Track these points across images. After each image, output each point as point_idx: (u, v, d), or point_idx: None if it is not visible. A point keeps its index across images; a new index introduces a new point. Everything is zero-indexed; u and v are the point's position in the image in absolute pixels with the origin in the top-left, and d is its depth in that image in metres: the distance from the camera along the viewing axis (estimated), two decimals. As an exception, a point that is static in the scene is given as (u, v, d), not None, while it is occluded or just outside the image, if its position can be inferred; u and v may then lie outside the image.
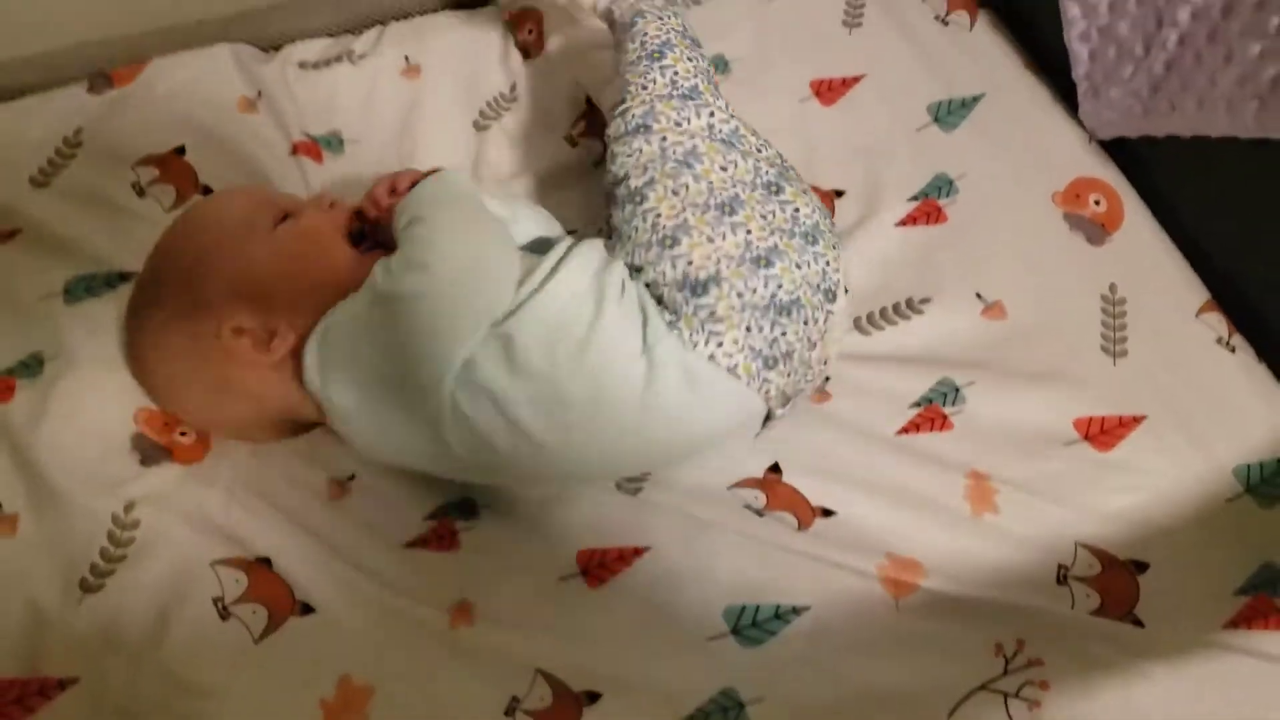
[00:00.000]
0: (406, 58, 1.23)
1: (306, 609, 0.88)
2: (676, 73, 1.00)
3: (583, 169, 1.16)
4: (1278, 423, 0.99)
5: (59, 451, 0.91)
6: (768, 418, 0.93)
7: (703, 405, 0.88)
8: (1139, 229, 1.11)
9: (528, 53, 1.25)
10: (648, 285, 0.90)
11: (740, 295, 0.88)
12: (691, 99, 0.98)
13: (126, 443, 0.93)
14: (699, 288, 0.88)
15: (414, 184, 0.93)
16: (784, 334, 0.89)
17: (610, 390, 0.85)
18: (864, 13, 1.29)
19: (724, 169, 0.94)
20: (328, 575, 0.90)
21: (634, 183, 0.93)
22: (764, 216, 0.93)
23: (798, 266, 0.91)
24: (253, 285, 0.88)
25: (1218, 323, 1.04)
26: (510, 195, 1.12)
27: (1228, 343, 1.03)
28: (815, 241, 0.94)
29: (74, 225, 1.04)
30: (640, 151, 0.94)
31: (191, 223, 0.94)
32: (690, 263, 0.89)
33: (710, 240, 0.90)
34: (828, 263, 0.94)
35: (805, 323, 0.91)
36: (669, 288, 0.89)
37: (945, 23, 1.28)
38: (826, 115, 1.21)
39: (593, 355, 0.85)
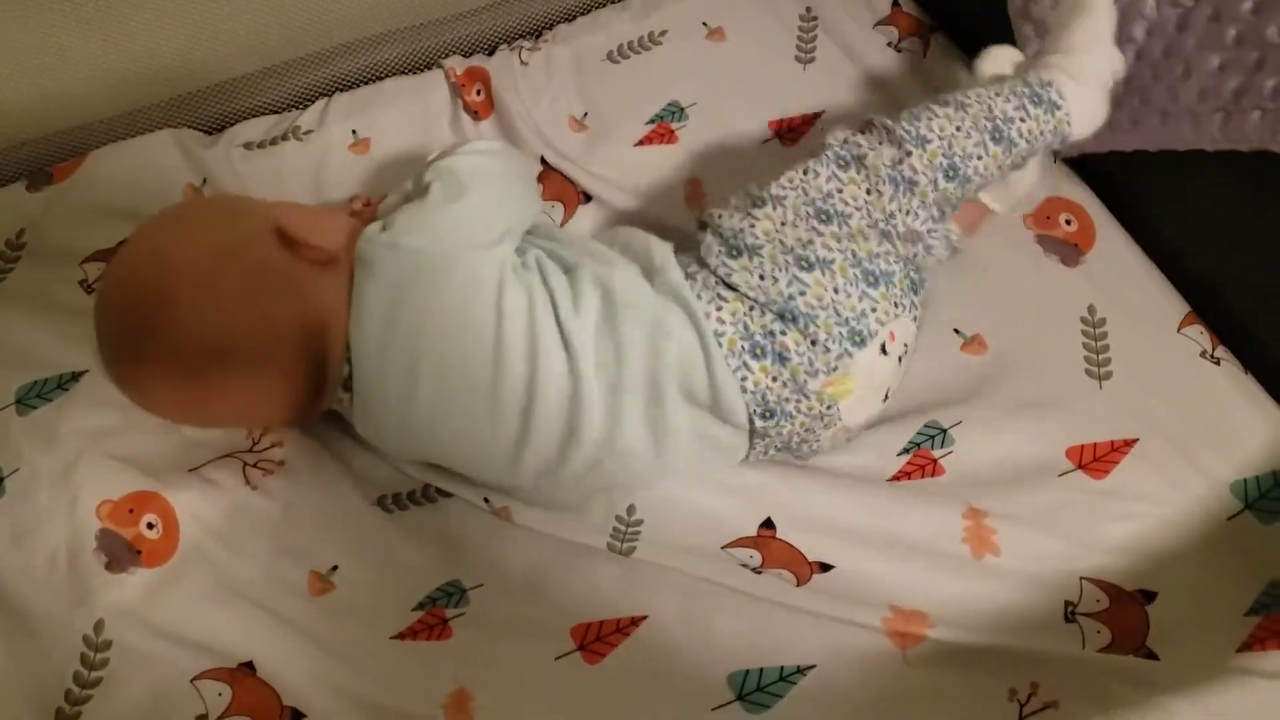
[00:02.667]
0: (354, 131, 1.21)
1: (297, 715, 0.85)
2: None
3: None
4: (1270, 434, 0.98)
5: (26, 574, 0.88)
6: (753, 436, 0.91)
7: None
8: (1113, 246, 1.10)
9: (478, 114, 1.22)
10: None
11: (763, 279, 0.90)
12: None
13: (91, 542, 0.89)
14: (739, 251, 0.92)
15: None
16: (783, 334, 0.89)
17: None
18: (816, 47, 1.28)
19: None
20: (315, 677, 0.87)
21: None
22: (848, 239, 0.93)
23: (835, 290, 0.90)
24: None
25: (1200, 335, 1.03)
26: None
27: (1212, 355, 1.02)
28: (875, 284, 0.92)
29: (23, 331, 1.01)
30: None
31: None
32: (745, 228, 0.93)
33: (780, 224, 0.93)
34: (873, 308, 0.92)
35: (813, 343, 0.89)
36: (717, 238, 0.94)
37: (899, 50, 1.27)
38: (790, 156, 1.19)
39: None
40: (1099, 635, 0.88)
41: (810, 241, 0.91)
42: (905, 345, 0.95)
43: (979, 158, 0.97)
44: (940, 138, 0.97)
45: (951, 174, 0.96)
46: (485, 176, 0.94)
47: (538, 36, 1.31)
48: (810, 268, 0.90)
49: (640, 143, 1.21)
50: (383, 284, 0.88)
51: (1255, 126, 0.90)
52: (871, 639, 0.88)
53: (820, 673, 0.86)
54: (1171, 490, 0.96)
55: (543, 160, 1.17)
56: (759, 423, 0.91)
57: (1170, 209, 1.08)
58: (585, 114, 1.24)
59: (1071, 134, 1.01)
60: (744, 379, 0.89)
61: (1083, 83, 1.00)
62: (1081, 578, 0.91)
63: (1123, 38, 1.01)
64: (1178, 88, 0.97)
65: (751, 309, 0.90)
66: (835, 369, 0.90)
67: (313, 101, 1.25)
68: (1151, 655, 0.87)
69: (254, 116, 1.23)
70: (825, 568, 0.92)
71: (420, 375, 0.88)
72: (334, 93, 1.26)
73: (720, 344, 0.89)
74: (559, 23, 1.33)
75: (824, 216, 0.93)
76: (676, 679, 0.87)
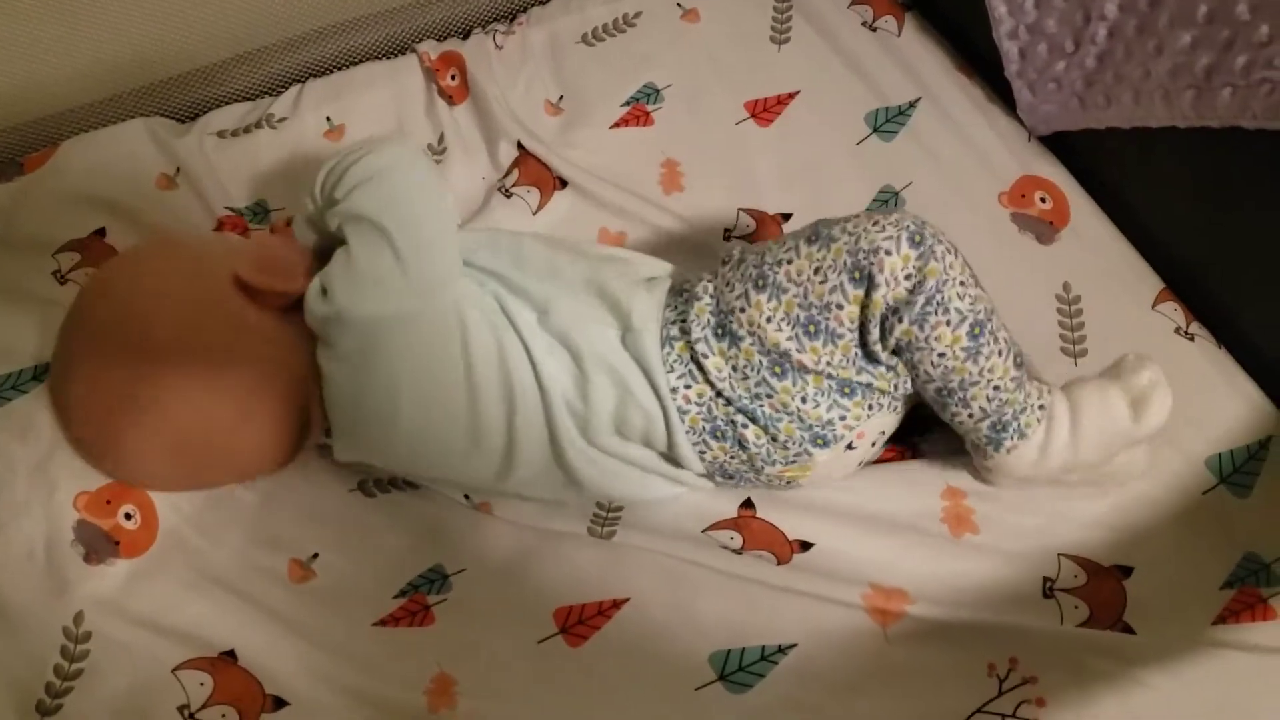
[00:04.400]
0: (328, 118, 1.20)
1: (279, 703, 0.86)
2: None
3: (519, 222, 1.13)
4: (1243, 409, 0.98)
5: (3, 566, 0.87)
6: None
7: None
8: (1087, 223, 1.10)
9: (452, 99, 1.22)
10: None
11: (734, 371, 0.86)
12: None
13: (69, 534, 0.89)
14: (723, 331, 0.87)
15: None
16: (744, 427, 0.87)
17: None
18: (791, 27, 1.27)
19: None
20: (298, 664, 0.87)
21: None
22: (829, 355, 0.85)
23: (803, 400, 0.86)
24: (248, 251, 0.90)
25: (1174, 312, 1.04)
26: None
27: (1186, 331, 1.02)
28: (850, 395, 0.87)
29: (-4, 323, 1.01)
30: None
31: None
32: (738, 310, 0.86)
33: (768, 319, 0.85)
34: (843, 416, 0.87)
35: (773, 439, 0.87)
36: (713, 304, 0.88)
37: (873, 29, 1.26)
38: (765, 136, 1.19)
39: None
40: (1077, 610, 0.89)
41: (787, 354, 0.84)
42: (881, 433, 0.91)
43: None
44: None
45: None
46: (395, 206, 0.86)
47: (512, 20, 1.31)
48: (783, 375, 0.85)
49: (616, 125, 1.21)
50: (342, 354, 0.87)
51: (1226, 103, 0.90)
52: (852, 616, 0.88)
53: (801, 651, 0.87)
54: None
55: (519, 145, 1.16)
56: (719, 479, 0.92)
57: (1144, 186, 1.08)
58: (561, 97, 1.24)
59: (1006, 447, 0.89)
60: (702, 452, 0.89)
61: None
62: (1059, 554, 0.92)
63: (1095, 14, 1.01)
64: (1150, 64, 0.97)
65: (718, 395, 0.87)
66: (794, 462, 0.89)
67: (286, 88, 1.24)
68: (1129, 629, 0.88)
69: (227, 104, 1.23)
70: (805, 546, 0.92)
71: (399, 421, 0.88)
72: (307, 79, 1.25)
73: (683, 420, 0.88)
74: (533, 5, 1.33)
75: (813, 329, 0.84)
76: (659, 660, 0.87)
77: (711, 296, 0.88)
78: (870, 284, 0.81)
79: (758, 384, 0.86)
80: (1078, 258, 1.08)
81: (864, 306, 0.82)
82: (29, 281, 1.04)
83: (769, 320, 0.84)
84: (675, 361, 0.88)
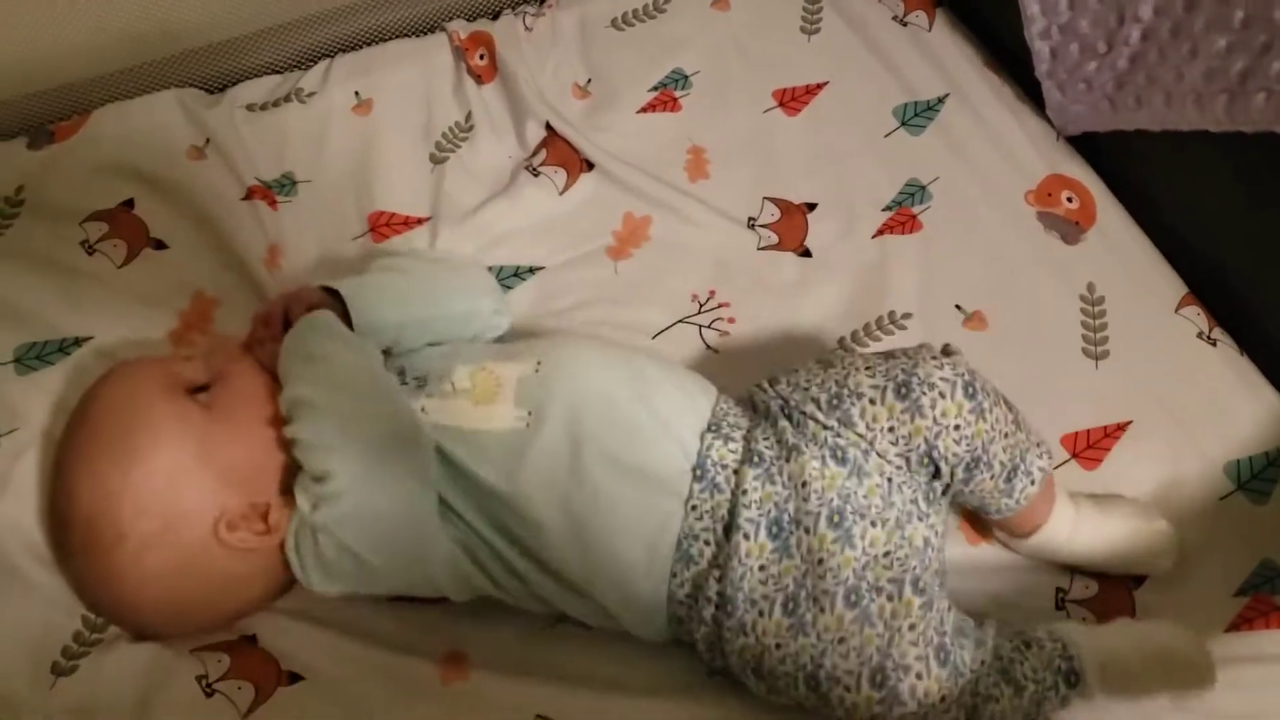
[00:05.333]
0: (357, 93, 1.20)
1: (295, 678, 0.86)
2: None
3: (546, 201, 1.14)
4: (1264, 415, 0.98)
5: (21, 531, 0.88)
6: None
7: None
8: (1113, 224, 1.10)
9: (480, 78, 1.22)
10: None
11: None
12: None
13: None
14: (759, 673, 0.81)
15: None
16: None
17: None
18: (821, 18, 1.27)
19: None
20: (314, 642, 0.88)
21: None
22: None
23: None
24: (224, 469, 0.83)
25: (1197, 316, 1.03)
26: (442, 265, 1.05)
27: (1209, 336, 1.02)
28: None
29: (20, 289, 1.01)
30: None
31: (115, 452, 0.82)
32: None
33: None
34: None
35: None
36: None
37: (904, 24, 1.26)
38: (792, 125, 1.19)
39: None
40: (1085, 623, 0.88)
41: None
42: None
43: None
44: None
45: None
46: (337, 436, 0.80)
47: (542, 2, 1.30)
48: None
49: (643, 110, 1.21)
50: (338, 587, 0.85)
51: (1260, 109, 0.90)
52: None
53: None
54: (1163, 471, 0.96)
55: (547, 125, 1.17)
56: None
57: (1172, 190, 1.08)
58: (589, 80, 1.24)
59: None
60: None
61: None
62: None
63: (1129, 15, 1.00)
64: (1184, 68, 0.97)
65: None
66: None
67: (315, 62, 1.24)
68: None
69: (256, 76, 1.23)
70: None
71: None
72: (337, 54, 1.25)
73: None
74: (563, -12, 1.33)
75: (759, 673, 0.80)
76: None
77: (709, 628, 0.81)
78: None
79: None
80: (1103, 259, 1.08)
81: None
82: (57, 251, 1.04)
83: (769, 689, 0.81)
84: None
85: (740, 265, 1.10)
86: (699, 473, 0.83)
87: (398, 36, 1.28)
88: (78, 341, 0.98)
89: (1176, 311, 1.04)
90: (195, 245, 1.07)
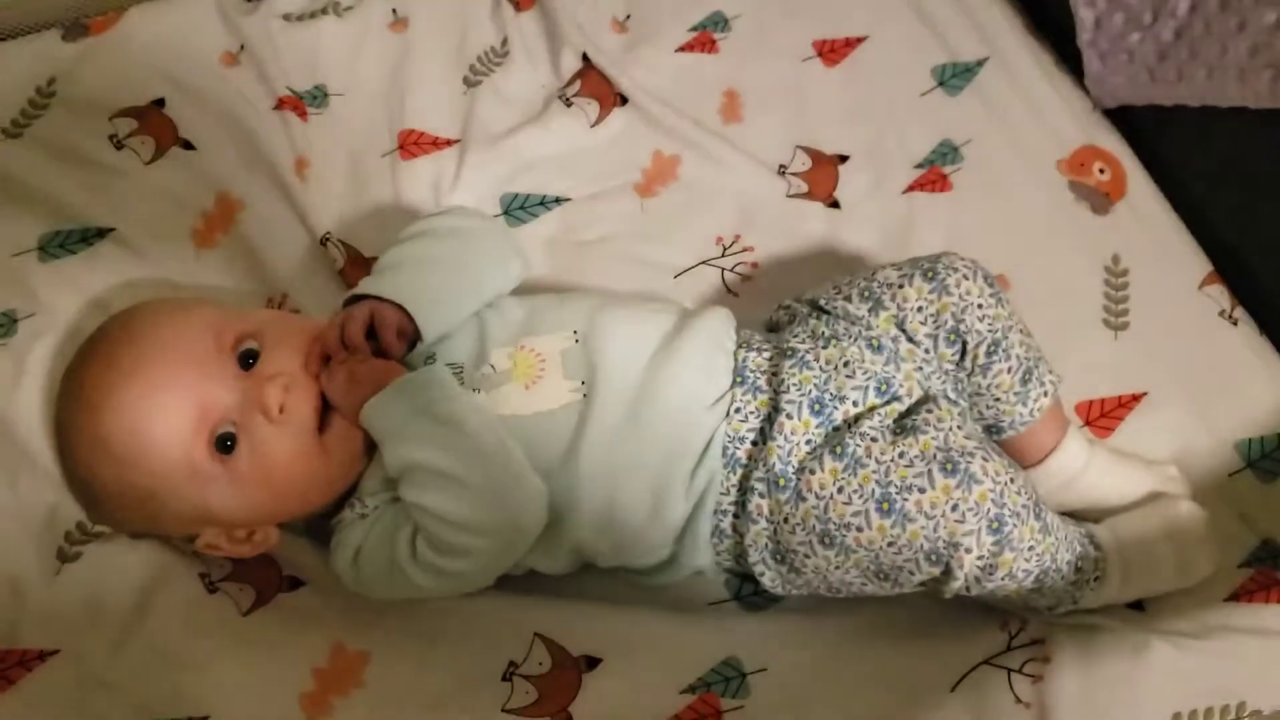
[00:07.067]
0: (394, 10, 1.19)
1: (295, 583, 0.88)
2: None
3: (577, 132, 1.13)
4: (1279, 396, 0.98)
5: (34, 412, 0.89)
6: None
7: None
8: (1143, 199, 1.09)
9: (519, 5, 1.21)
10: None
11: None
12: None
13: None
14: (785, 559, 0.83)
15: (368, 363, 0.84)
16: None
17: None
18: (866, -30, 1.26)
19: None
20: (314, 549, 0.89)
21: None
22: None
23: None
24: (218, 519, 0.83)
25: (1220, 295, 1.03)
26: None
27: (1230, 315, 1.02)
28: None
29: (48, 178, 1.01)
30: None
31: (113, 443, 0.80)
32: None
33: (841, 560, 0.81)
34: None
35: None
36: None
37: (947, -21, 1.25)
38: (829, 76, 1.18)
39: None
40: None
41: (850, 584, 0.83)
42: None
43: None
44: None
45: None
46: (474, 513, 0.79)
47: (584, -67, 1.29)
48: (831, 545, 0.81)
49: (681, 49, 1.20)
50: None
51: (1305, 86, 0.90)
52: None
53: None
54: (1174, 443, 0.96)
55: (584, 56, 1.16)
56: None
57: (1204, 167, 1.08)
58: (628, 17, 1.22)
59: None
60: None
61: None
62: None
63: (1178, -13, 0.99)
64: (1229, 42, 0.96)
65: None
66: None
67: (355, -25, 1.23)
68: (1138, 605, 0.88)
69: (295, -13, 1.22)
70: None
71: None
72: (376, -31, 1.24)
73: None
74: (607, -81, 1.31)
75: (882, 575, 0.81)
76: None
77: (768, 521, 0.83)
78: (947, 571, 0.79)
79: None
80: (1130, 231, 1.07)
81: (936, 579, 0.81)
82: (85, 143, 1.04)
83: (836, 567, 0.81)
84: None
85: (768, 211, 1.10)
86: (739, 379, 0.86)
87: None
88: (101, 233, 0.98)
89: (1200, 288, 1.04)
90: (223, 149, 1.06)
